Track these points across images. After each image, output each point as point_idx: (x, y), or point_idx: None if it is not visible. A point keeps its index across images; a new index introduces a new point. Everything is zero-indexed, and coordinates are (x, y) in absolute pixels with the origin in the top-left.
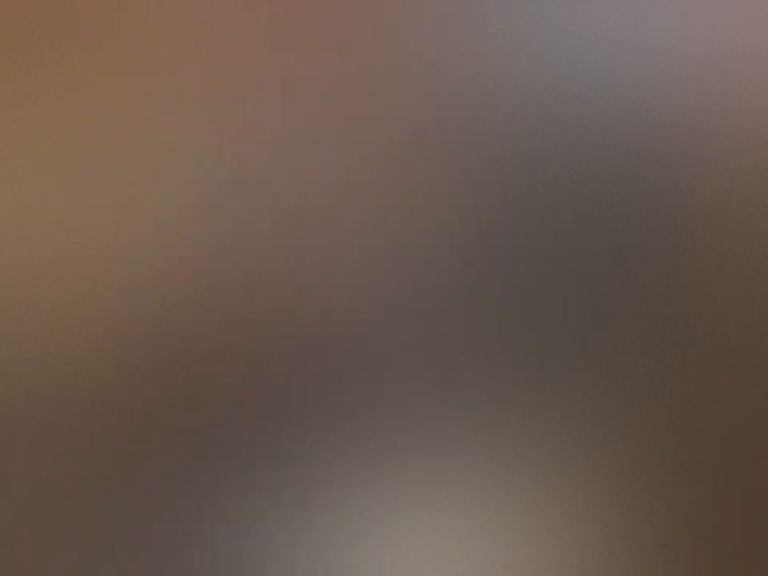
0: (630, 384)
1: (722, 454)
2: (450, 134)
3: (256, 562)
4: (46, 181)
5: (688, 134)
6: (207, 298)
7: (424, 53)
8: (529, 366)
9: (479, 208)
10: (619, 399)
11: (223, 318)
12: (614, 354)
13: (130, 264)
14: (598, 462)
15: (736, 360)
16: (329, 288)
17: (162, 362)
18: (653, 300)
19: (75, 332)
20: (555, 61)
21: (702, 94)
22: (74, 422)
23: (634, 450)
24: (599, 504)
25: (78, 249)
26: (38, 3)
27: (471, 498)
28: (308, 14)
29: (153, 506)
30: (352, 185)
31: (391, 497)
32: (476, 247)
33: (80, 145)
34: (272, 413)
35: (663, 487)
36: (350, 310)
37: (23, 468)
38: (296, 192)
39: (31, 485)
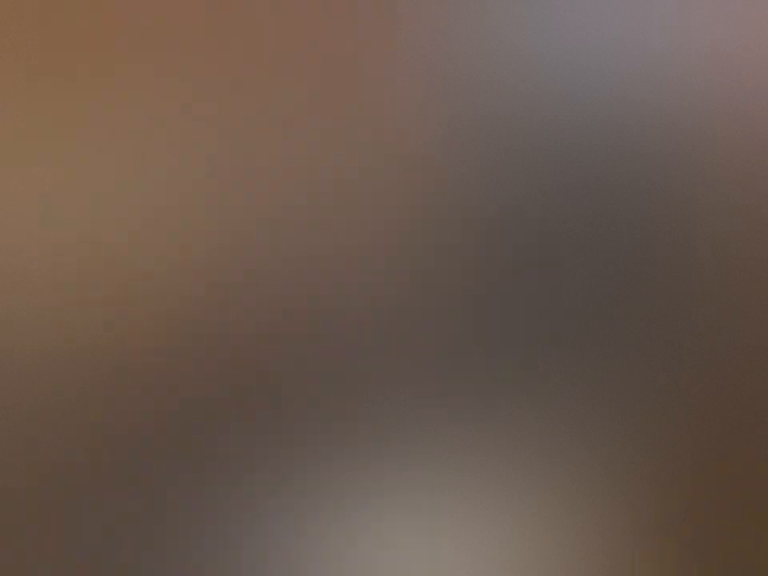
0: (631, 383)
1: (722, 453)
2: (450, 134)
3: (254, 561)
4: (50, 181)
5: (688, 134)
6: (209, 299)
7: (424, 53)
8: (529, 365)
9: (480, 207)
10: (620, 399)
11: (226, 317)
12: (614, 354)
13: (132, 265)
14: (599, 461)
15: (737, 359)
16: (329, 288)
17: (164, 362)
18: (652, 299)
19: (76, 333)
20: (556, 61)
21: (702, 94)
22: (75, 421)
23: (634, 449)
24: (600, 503)
25: (82, 252)
26: (45, 5)
27: (471, 498)
28: (307, 13)
29: (151, 506)
30: (350, 184)
31: (389, 496)
32: (475, 248)
33: (84, 147)
34: (271, 413)
35: (663, 487)
36: (350, 308)
37: (23, 469)
38: (294, 193)
39: (31, 484)
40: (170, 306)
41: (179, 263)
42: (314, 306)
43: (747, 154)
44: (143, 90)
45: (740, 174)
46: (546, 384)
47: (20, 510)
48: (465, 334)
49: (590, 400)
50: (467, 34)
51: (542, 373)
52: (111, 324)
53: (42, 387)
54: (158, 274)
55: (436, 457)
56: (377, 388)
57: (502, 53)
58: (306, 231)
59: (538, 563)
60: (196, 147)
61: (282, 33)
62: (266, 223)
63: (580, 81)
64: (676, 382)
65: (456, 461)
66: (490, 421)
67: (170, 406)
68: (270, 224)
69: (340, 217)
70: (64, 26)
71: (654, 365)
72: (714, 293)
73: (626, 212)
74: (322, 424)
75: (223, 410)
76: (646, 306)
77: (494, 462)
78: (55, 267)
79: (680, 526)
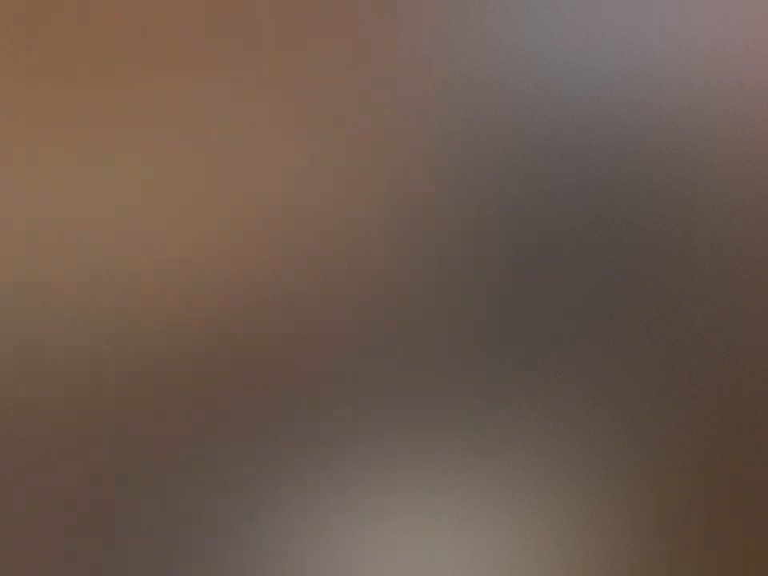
0: (631, 383)
1: (722, 453)
2: (450, 134)
3: (254, 561)
4: (50, 181)
5: (688, 134)
6: (210, 299)
7: (424, 53)
8: (529, 365)
9: (480, 207)
10: (620, 399)
11: (226, 317)
12: (614, 354)
13: (132, 264)
14: (599, 461)
15: (737, 359)
16: (329, 288)
17: (164, 362)
18: (652, 299)
19: (77, 333)
20: (556, 61)
21: (702, 94)
22: (76, 421)
23: (634, 449)
24: (600, 503)
25: (82, 252)
26: (53, 7)
27: (471, 498)
28: (307, 13)
29: (150, 507)
30: (350, 184)
31: (389, 496)
32: (475, 248)
33: (84, 147)
34: (271, 413)
35: (663, 487)
36: (349, 308)
37: (23, 469)
38: (294, 192)
39: (31, 484)
40: (171, 306)
41: (179, 262)
42: (314, 306)
43: (747, 154)
44: (143, 89)
45: (740, 174)
46: (546, 384)
47: (20, 510)
48: (465, 334)
49: (590, 400)
50: (467, 33)
51: (542, 373)
52: (111, 324)
53: (43, 388)
54: (158, 274)
55: (436, 457)
56: (377, 388)
57: (502, 53)
58: (306, 231)
59: (538, 563)
60: (196, 147)
61: (282, 33)
62: (266, 223)
63: (580, 81)
64: (676, 382)
65: (456, 461)
66: (490, 421)
67: (169, 406)
68: (270, 223)
69: (340, 217)
70: (64, 26)
71: (654, 365)
72: (714, 293)
73: (626, 212)
74: (322, 424)
75: (223, 410)
76: (646, 306)
77: (494, 461)
78: (55, 267)
79: (680, 525)
